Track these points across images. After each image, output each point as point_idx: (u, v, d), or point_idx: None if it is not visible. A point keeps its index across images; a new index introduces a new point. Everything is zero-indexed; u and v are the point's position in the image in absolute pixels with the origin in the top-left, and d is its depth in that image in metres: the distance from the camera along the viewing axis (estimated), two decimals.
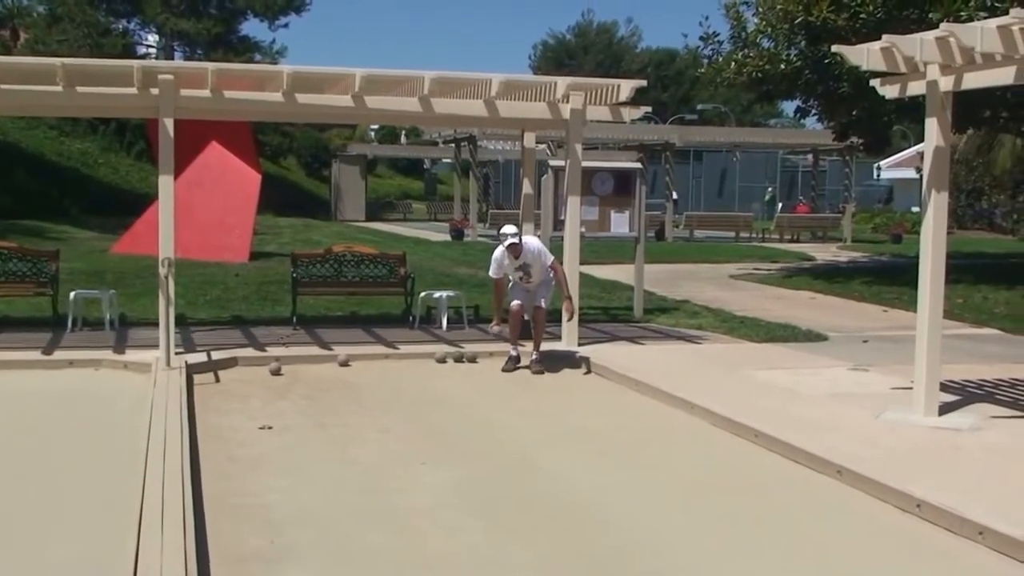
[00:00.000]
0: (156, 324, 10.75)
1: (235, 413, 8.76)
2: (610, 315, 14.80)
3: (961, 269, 19.81)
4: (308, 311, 13.68)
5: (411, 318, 13.30)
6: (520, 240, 10.71)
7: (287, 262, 14.38)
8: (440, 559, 5.50)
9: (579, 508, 6.45)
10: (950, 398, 9.07)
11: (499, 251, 10.74)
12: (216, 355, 10.85)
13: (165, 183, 10.76)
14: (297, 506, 6.33)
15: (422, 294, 13.51)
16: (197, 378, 10.03)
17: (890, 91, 8.99)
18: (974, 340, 13.10)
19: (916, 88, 8.61)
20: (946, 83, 8.26)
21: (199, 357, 10.72)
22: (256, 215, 22.71)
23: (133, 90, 10.73)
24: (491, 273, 10.83)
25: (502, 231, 10.85)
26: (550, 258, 11.02)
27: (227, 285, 16.73)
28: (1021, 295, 16.86)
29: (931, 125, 8.40)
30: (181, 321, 12.16)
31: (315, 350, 11.47)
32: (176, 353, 10.53)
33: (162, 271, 10.55)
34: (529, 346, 10.90)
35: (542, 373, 10.68)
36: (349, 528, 5.96)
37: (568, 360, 11.24)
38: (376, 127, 60.77)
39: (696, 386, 9.52)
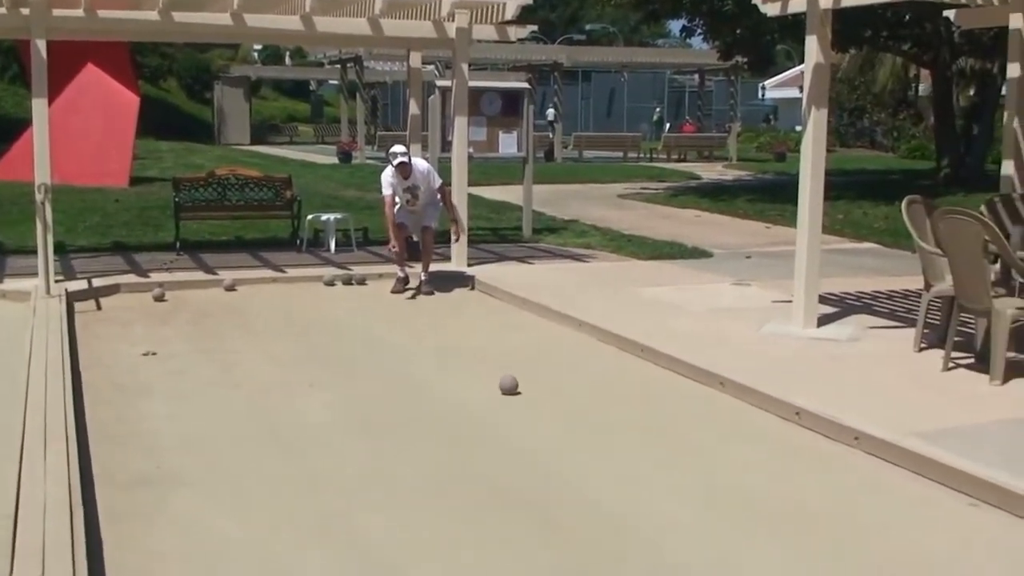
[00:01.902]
0: (34, 252, 10.45)
1: (118, 340, 8.61)
2: (499, 235, 14.82)
3: (842, 186, 20.23)
4: (192, 236, 13.44)
5: (298, 241, 13.16)
6: (409, 160, 10.62)
7: (169, 187, 14.06)
8: (328, 479, 5.51)
9: (467, 425, 6.50)
10: (829, 310, 9.31)
11: (388, 171, 10.63)
12: (97, 282, 10.61)
13: (39, 107, 10.38)
14: (183, 431, 6.27)
15: (309, 217, 13.36)
16: (78, 306, 9.81)
17: (771, 8, 9.05)
18: (854, 254, 13.45)
19: (797, 5, 8.68)
20: (826, 0, 8.35)
21: (80, 284, 10.46)
22: (135, 139, 22.14)
23: (2, 10, 10.30)
24: (383, 192, 10.69)
25: (391, 151, 10.74)
26: (438, 181, 10.96)
27: (107, 211, 16.33)
28: (900, 210, 17.26)
29: (811, 43, 8.50)
30: (60, 249, 11.86)
31: (200, 275, 11.29)
32: (56, 281, 10.28)
33: (38, 197, 10.23)
34: (418, 267, 10.87)
35: (431, 294, 10.67)
36: (236, 452, 5.92)
37: (457, 280, 11.26)
38: (259, 48, 59.44)
39: (584, 303, 9.62)
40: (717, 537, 4.79)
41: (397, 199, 10.64)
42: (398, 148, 10.69)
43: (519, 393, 6.93)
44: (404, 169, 10.50)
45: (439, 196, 10.99)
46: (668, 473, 5.66)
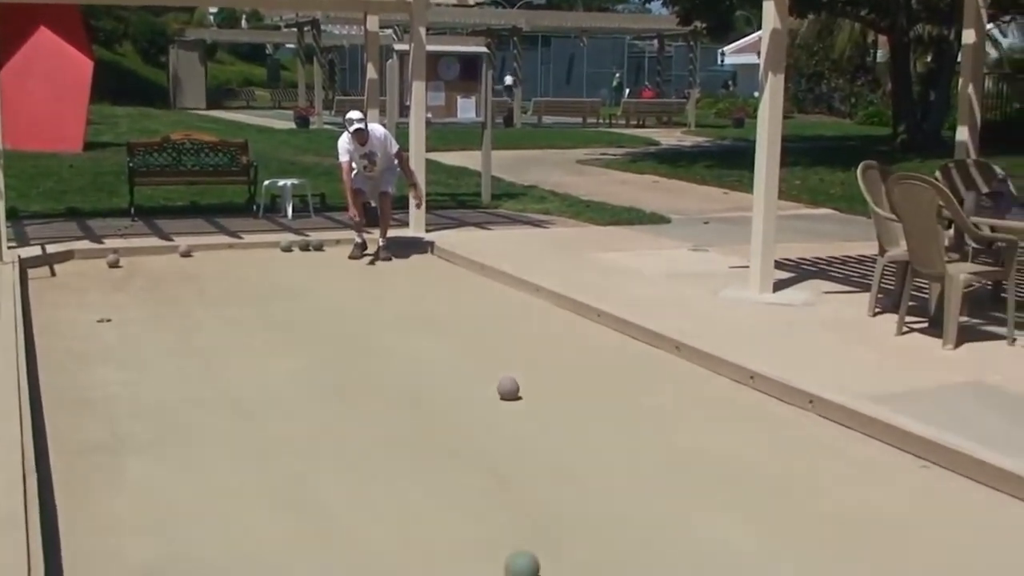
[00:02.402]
0: None
1: (72, 307, 8.52)
2: (458, 201, 14.79)
3: (800, 152, 20.36)
4: (147, 202, 13.29)
5: (255, 207, 13.06)
6: (366, 126, 10.55)
7: (123, 152, 13.90)
8: (286, 444, 5.49)
9: (424, 388, 6.50)
10: (785, 275, 9.38)
11: (345, 137, 10.56)
12: (51, 248, 10.50)
13: None
14: (139, 397, 6.23)
15: (266, 182, 13.26)
16: (32, 272, 9.69)
17: None
18: (810, 220, 13.54)
19: None
20: None
21: (33, 251, 10.35)
22: (90, 104, 21.86)
23: None
24: (340, 159, 10.63)
25: (347, 116, 10.67)
26: (395, 146, 10.89)
27: (61, 176, 16.15)
28: (856, 176, 17.39)
29: (768, 8, 8.51)
30: (13, 215, 11.69)
31: (155, 241, 11.20)
32: (9, 247, 10.14)
33: None
34: (376, 233, 10.83)
35: (390, 259, 10.64)
36: (193, 417, 5.89)
37: (415, 246, 11.24)
38: (215, 10, 58.61)
39: (542, 269, 9.63)
40: (671, 498, 4.83)
41: (354, 165, 10.57)
42: (354, 115, 10.61)
43: (519, 398, 6.19)
44: (361, 136, 10.43)
45: (396, 162, 10.93)
46: (623, 435, 5.69)
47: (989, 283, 8.34)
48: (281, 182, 13.27)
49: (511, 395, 6.20)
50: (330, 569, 4.10)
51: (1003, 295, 7.84)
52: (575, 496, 4.84)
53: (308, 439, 5.59)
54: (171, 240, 11.16)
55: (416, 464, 5.24)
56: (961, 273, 7.18)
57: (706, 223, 13.17)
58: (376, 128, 10.84)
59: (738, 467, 5.24)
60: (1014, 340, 7.24)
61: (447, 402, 6.29)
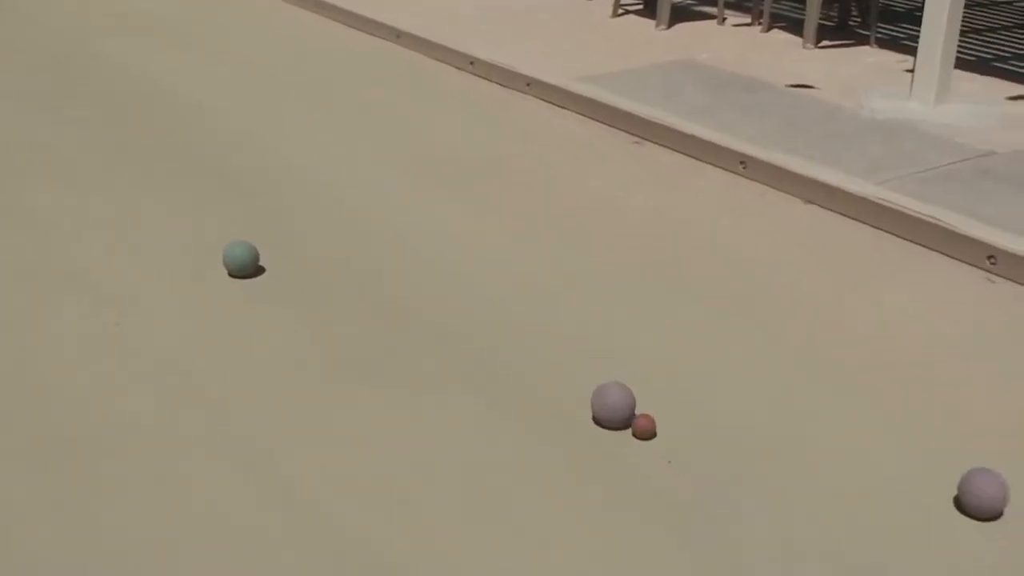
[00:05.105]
0: None
1: None
2: None
3: None
4: None
5: None
6: None
7: None
8: None
9: (142, 92, 6.22)
10: None
11: None
12: None
13: None
14: None
15: None
16: None
17: None
18: None
19: None
20: None
21: None
22: None
23: None
24: None
25: None
26: None
27: None
28: None
29: None
30: None
31: None
32: None
33: None
34: None
35: None
36: None
37: None
38: None
39: None
40: (389, 182, 4.88)
41: None
42: None
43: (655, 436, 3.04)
44: None
45: None
46: (348, 126, 5.65)
47: None
48: None
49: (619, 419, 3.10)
50: (43, 271, 3.98)
51: None
52: (302, 193, 4.82)
53: (19, 152, 5.28)
54: None
55: (135, 171, 5.06)
56: None
57: None
58: None
59: (456, 151, 5.31)
60: (724, 19, 7.50)
61: (166, 107, 6.04)
